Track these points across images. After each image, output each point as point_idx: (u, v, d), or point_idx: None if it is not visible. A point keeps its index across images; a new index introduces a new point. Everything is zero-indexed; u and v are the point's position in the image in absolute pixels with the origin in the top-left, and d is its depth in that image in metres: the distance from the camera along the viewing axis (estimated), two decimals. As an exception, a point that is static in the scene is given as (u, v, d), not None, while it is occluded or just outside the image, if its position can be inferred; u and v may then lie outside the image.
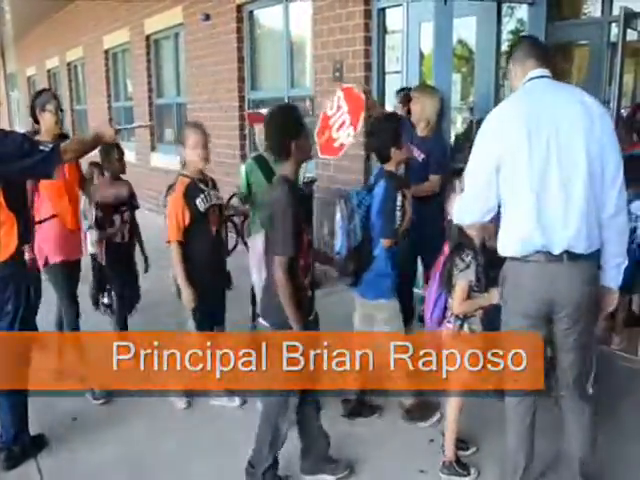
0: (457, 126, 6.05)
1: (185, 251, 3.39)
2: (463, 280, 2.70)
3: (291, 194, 2.60)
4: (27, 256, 3.44)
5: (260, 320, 2.80)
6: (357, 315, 3.42)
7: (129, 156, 11.20)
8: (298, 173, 2.76)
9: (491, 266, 2.67)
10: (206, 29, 8.27)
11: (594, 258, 2.39)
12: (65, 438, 3.34)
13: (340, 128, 3.66)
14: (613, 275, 2.45)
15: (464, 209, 2.54)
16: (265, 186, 3.93)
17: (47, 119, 3.65)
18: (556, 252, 2.31)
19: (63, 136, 3.68)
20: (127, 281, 4.29)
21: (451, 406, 2.90)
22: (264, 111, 4.09)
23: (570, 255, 2.31)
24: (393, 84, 5.86)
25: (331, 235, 4.92)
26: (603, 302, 2.50)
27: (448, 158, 4.52)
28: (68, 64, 14.78)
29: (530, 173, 2.28)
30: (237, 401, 3.64)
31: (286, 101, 7.21)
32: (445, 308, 2.81)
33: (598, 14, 5.83)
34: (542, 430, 2.66)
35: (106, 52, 12.16)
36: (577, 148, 2.27)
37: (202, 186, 3.46)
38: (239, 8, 7.66)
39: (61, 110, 3.74)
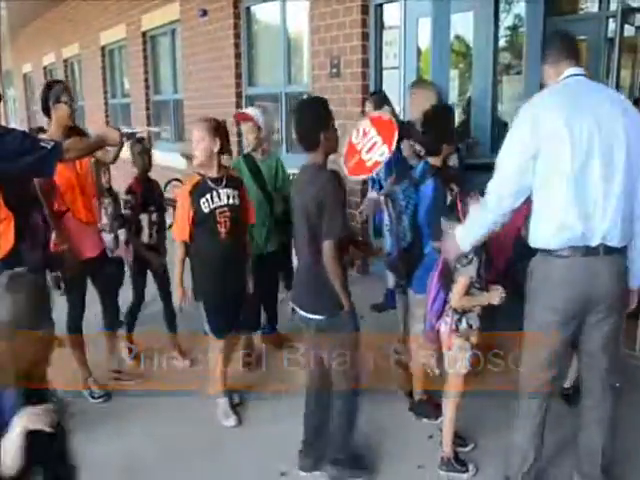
0: (455, 122, 6.03)
1: (191, 251, 3.30)
2: (464, 275, 2.69)
3: (336, 180, 2.64)
4: (59, 248, 3.47)
5: (308, 315, 2.75)
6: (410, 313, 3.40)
7: (126, 153, 11.26)
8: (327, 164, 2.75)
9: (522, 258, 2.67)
10: (203, 25, 8.24)
11: (625, 253, 2.40)
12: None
13: (371, 150, 3.65)
14: (638, 274, 2.46)
15: (492, 198, 2.42)
16: (253, 186, 3.92)
17: (61, 111, 3.55)
18: (594, 244, 2.30)
19: (74, 129, 3.64)
20: (158, 283, 4.29)
21: (449, 403, 2.90)
22: (250, 110, 4.10)
23: (606, 248, 2.31)
24: (391, 80, 5.85)
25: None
26: (627, 299, 2.50)
27: None
28: (64, 61, 14.75)
29: (571, 163, 2.26)
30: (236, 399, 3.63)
31: (283, 97, 7.21)
32: (444, 302, 2.80)
33: (595, 9, 5.84)
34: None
35: (103, 48, 12.12)
36: (618, 143, 2.28)
37: (212, 185, 3.27)
38: (236, 4, 7.63)
39: (74, 101, 3.68)
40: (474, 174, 4.48)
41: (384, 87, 5.84)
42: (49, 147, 2.76)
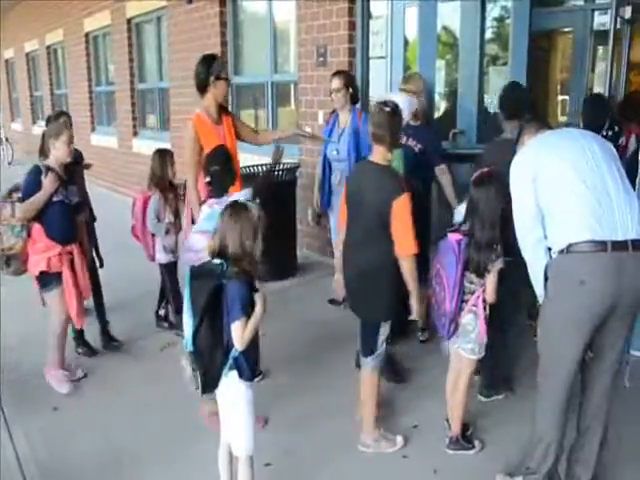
0: (441, 112, 6.04)
1: (391, 260, 2.84)
2: (496, 269, 2.75)
3: None
4: None
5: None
6: None
7: (111, 142, 11.16)
8: None
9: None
10: (189, 13, 8.16)
11: None
12: (46, 429, 3.32)
13: None
14: None
15: (525, 239, 2.52)
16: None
17: (221, 88, 3.53)
18: (620, 238, 2.25)
19: (225, 108, 3.64)
20: None
21: (463, 385, 2.95)
22: None
23: (635, 243, 2.25)
24: (377, 70, 5.84)
25: (315, 221, 4.93)
26: None
27: (441, 145, 4.51)
28: (48, 47, 14.52)
29: (578, 174, 2.34)
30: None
31: (269, 86, 7.17)
32: (463, 293, 2.82)
33: (581, 2, 5.85)
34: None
35: (87, 35, 11.96)
36: (605, 157, 2.40)
37: None
38: (222, -9, 7.56)
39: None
40: (458, 164, 4.54)
41: (371, 77, 5.83)
42: None
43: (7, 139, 16.19)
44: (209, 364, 2.27)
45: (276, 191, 4.98)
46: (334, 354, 4.00)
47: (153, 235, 4.33)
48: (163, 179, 4.32)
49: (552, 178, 2.40)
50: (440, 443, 3.03)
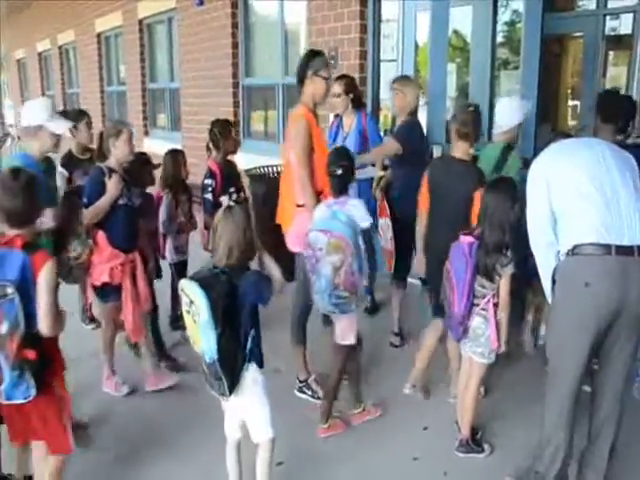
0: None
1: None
2: (508, 273, 2.77)
3: None
4: None
5: None
6: None
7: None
8: None
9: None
10: (200, 14, 8.21)
11: None
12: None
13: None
14: None
15: (537, 243, 2.55)
16: None
17: (319, 86, 3.32)
18: (626, 243, 2.26)
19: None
20: None
21: (472, 389, 2.96)
22: None
23: None
24: (388, 73, 5.86)
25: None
26: None
27: (425, 141, 4.36)
28: (59, 47, 14.64)
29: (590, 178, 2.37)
30: None
31: (280, 89, 7.18)
32: (474, 297, 2.84)
33: (593, 7, 5.86)
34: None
35: (99, 36, 12.05)
36: (619, 165, 2.42)
37: None
38: (234, -7, 7.60)
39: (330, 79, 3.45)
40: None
41: (381, 80, 5.86)
42: None
43: (19, 137, 16.28)
44: (234, 366, 2.34)
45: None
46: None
47: (164, 234, 4.36)
48: (176, 179, 4.34)
49: (564, 181, 2.42)
50: (450, 446, 3.04)
